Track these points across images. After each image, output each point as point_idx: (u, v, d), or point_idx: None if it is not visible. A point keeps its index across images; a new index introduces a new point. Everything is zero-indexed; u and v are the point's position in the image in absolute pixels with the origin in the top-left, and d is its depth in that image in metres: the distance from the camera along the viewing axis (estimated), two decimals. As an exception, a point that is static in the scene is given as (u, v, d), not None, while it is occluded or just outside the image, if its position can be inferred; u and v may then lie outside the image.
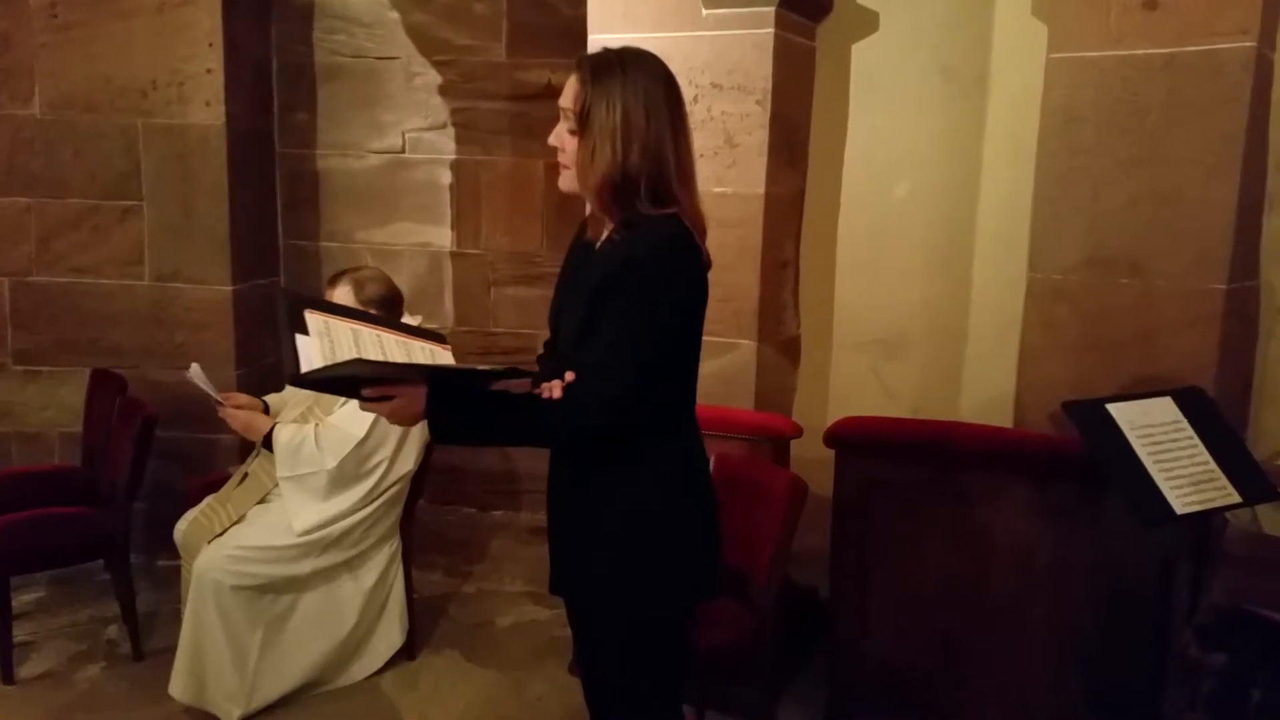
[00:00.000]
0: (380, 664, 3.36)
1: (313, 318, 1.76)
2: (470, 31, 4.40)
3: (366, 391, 1.68)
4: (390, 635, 3.38)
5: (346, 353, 1.72)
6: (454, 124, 4.47)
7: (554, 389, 1.68)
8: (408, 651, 3.44)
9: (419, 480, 3.41)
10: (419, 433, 3.24)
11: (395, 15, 4.42)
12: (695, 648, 1.98)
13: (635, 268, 1.68)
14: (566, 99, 1.77)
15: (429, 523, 4.24)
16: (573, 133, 1.76)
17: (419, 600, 3.59)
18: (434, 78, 4.44)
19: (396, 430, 3.17)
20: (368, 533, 3.23)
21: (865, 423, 3.03)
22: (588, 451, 1.80)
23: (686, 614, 1.91)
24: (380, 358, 1.77)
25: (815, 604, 3.33)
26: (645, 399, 1.71)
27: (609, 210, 1.76)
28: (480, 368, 1.77)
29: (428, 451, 3.38)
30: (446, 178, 4.52)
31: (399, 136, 4.51)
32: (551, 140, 1.82)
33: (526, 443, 1.89)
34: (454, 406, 1.70)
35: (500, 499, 4.67)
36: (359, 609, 3.25)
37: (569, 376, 1.69)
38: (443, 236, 4.57)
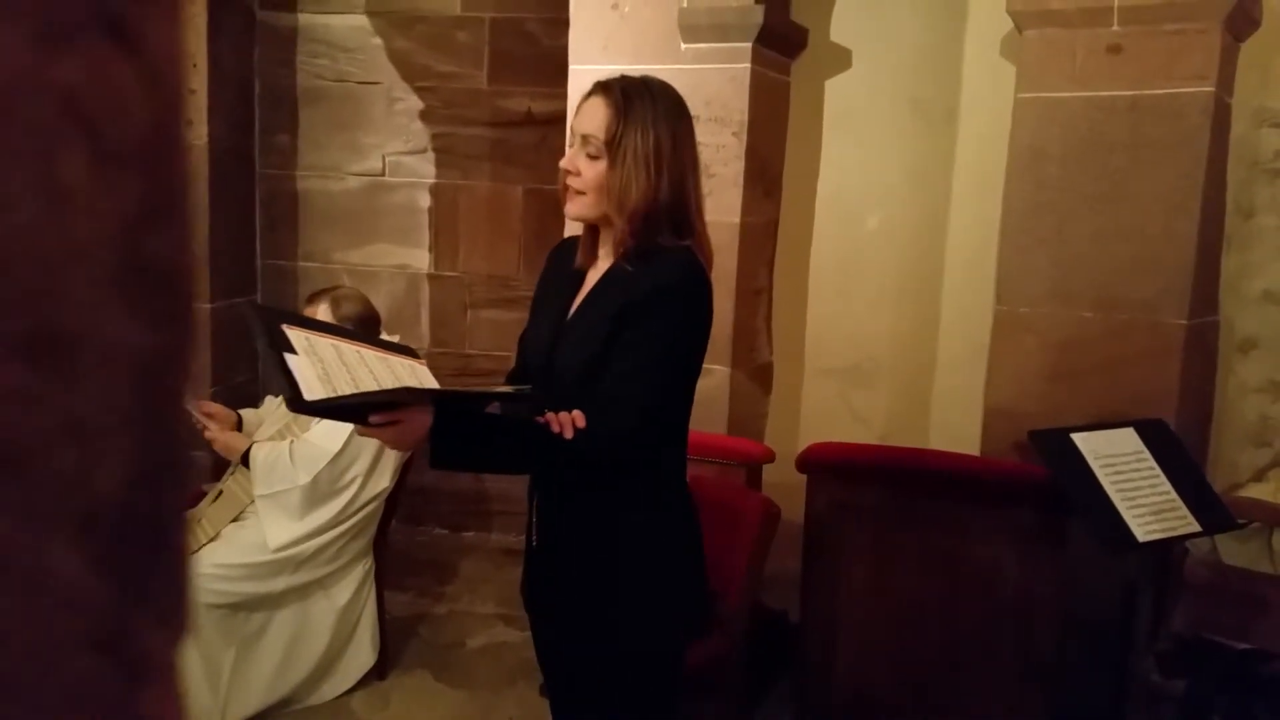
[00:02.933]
0: (351, 683, 3.36)
1: (294, 334, 1.67)
2: (452, 59, 4.45)
3: (374, 418, 1.60)
4: (361, 655, 3.39)
5: (337, 371, 1.64)
6: (434, 149, 4.51)
7: (565, 427, 1.61)
8: (379, 671, 3.44)
9: (393, 501, 3.42)
10: (395, 452, 3.27)
11: (378, 41, 4.47)
12: (683, 682, 1.96)
13: (655, 300, 1.66)
14: (592, 124, 1.72)
15: (400, 543, 4.24)
16: (593, 157, 1.72)
17: (390, 620, 3.59)
18: (415, 103, 4.49)
19: (372, 446, 3.18)
20: (341, 552, 3.25)
21: (837, 448, 3.08)
22: (587, 479, 1.76)
23: (681, 652, 1.87)
24: (369, 376, 1.70)
25: (785, 627, 3.36)
26: (655, 429, 1.70)
27: (635, 238, 1.71)
28: (493, 389, 1.73)
29: (403, 472, 3.40)
30: (425, 201, 4.56)
31: (379, 160, 4.55)
32: (565, 164, 1.76)
33: (529, 471, 1.83)
34: (458, 432, 1.63)
35: (471, 520, 4.69)
36: (331, 628, 3.26)
37: (579, 417, 1.62)
38: (420, 259, 4.60)
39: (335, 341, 1.75)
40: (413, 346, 2.02)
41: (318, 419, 3.15)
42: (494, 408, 1.76)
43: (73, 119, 0.22)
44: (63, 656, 0.23)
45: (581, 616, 1.81)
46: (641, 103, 1.71)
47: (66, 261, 0.22)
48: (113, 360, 0.23)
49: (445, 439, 1.61)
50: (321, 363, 1.64)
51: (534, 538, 1.87)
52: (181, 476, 0.26)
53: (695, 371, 1.79)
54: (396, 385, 1.69)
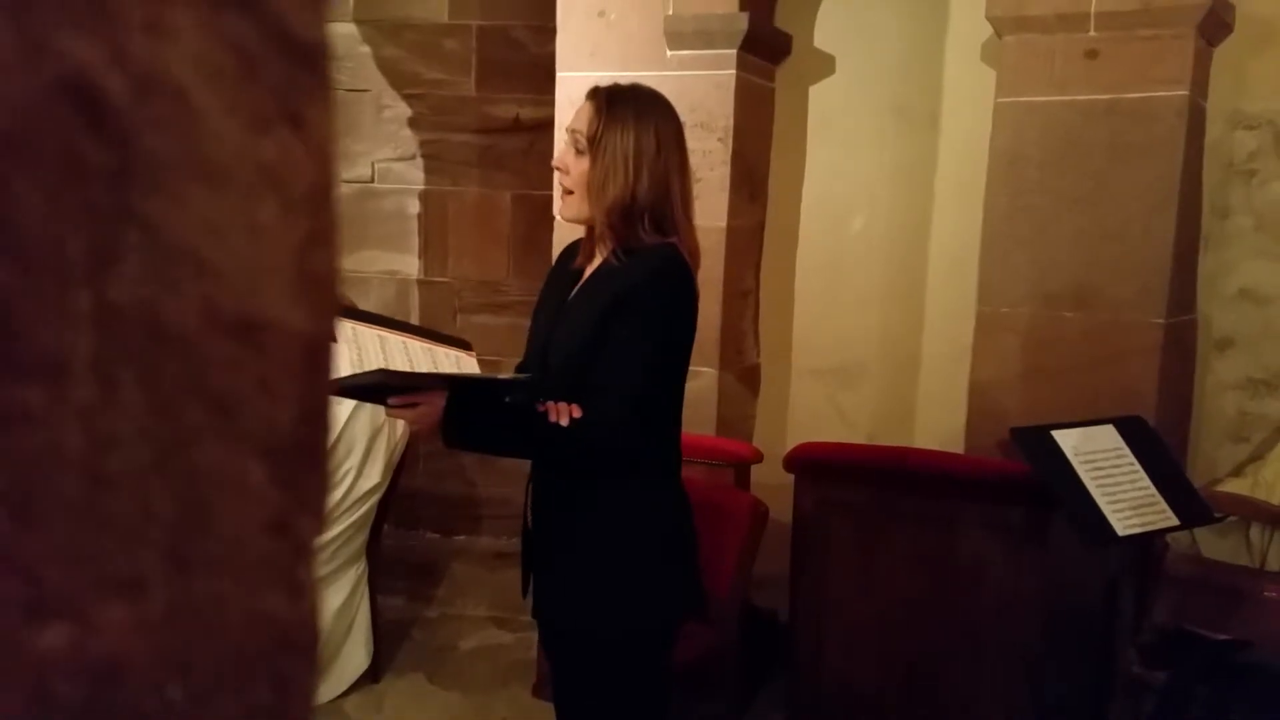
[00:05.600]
0: (345, 686, 3.38)
1: (340, 324, 1.78)
2: (440, 66, 4.49)
3: (392, 400, 1.74)
4: (355, 657, 3.41)
5: (374, 360, 1.76)
6: (423, 155, 4.55)
7: (561, 415, 1.73)
8: (372, 674, 3.47)
9: (385, 505, 3.45)
10: (384, 446, 3.30)
11: (366, 49, 4.50)
12: (674, 674, 2.01)
13: (637, 294, 1.76)
14: (579, 121, 1.84)
15: (392, 547, 4.27)
16: (579, 153, 1.83)
17: (383, 624, 3.62)
18: (404, 110, 4.52)
19: (364, 440, 3.22)
20: (335, 555, 3.27)
21: (824, 448, 3.13)
22: (582, 470, 1.85)
23: (670, 631, 1.93)
24: (406, 365, 1.81)
25: (775, 627, 3.40)
26: (645, 422, 1.77)
27: (613, 234, 1.82)
28: (496, 375, 1.84)
29: (395, 475, 3.43)
30: (415, 207, 4.59)
31: (368, 166, 4.58)
32: (555, 162, 1.90)
33: (531, 455, 1.94)
34: (469, 417, 1.76)
35: (462, 524, 4.71)
36: (325, 631, 3.28)
37: (575, 408, 1.73)
38: (410, 265, 4.64)
39: (382, 332, 1.87)
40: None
41: None
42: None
43: (268, 180, 0.33)
44: (251, 539, 0.34)
45: (570, 594, 1.89)
46: (624, 105, 1.82)
47: (261, 273, 0.33)
48: (289, 339, 0.34)
49: (455, 420, 1.74)
50: (359, 350, 1.76)
51: (529, 519, 1.96)
52: (328, 417, 0.37)
53: (682, 362, 1.88)
54: (431, 371, 1.82)
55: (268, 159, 0.33)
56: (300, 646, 0.37)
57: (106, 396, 0.30)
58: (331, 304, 0.37)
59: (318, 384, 0.36)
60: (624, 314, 1.76)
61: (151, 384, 0.31)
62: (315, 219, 0.35)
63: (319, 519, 0.37)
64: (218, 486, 0.33)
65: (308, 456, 0.36)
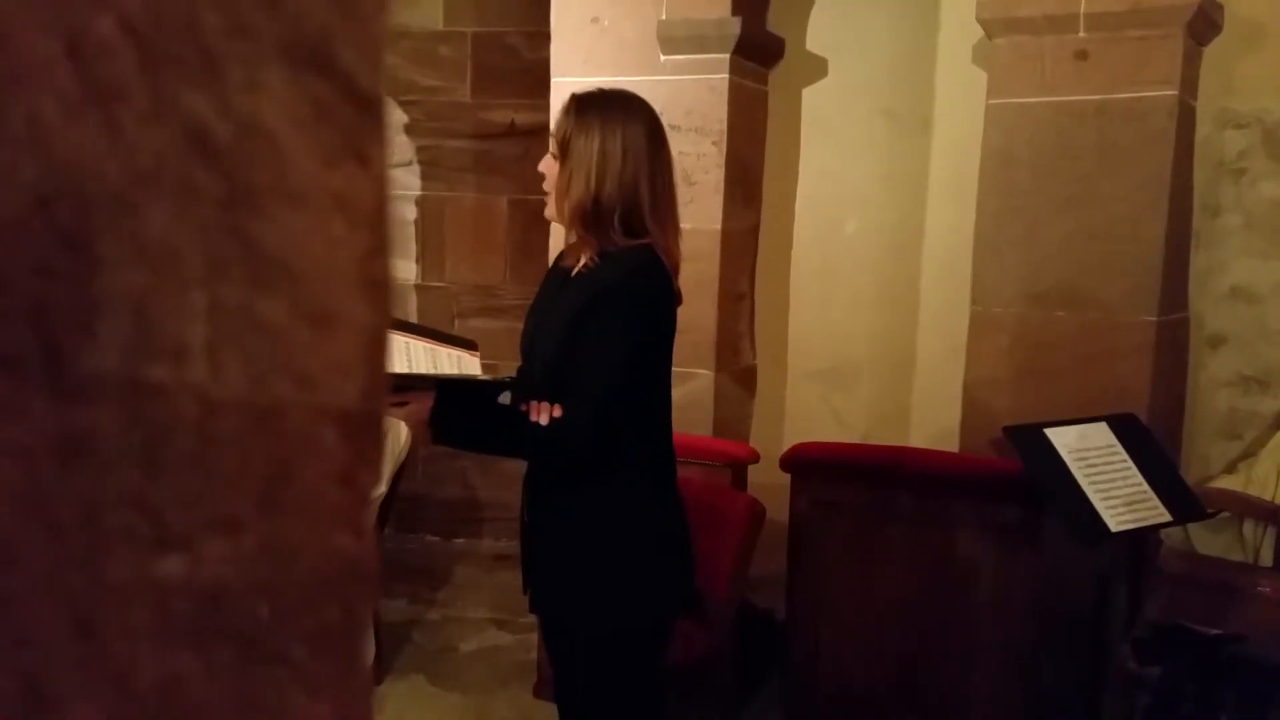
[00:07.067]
0: (347, 688, 3.40)
1: None
2: (436, 73, 4.52)
3: None
4: (357, 660, 3.42)
5: None
6: (419, 161, 4.57)
7: (541, 414, 1.77)
8: (374, 675, 3.48)
9: (385, 508, 3.47)
10: (389, 456, 3.31)
11: (361, 55, 4.52)
12: (668, 670, 2.04)
13: (606, 295, 1.80)
14: (553, 128, 1.91)
15: (392, 550, 4.29)
16: (555, 158, 1.88)
17: (384, 626, 3.64)
18: (400, 117, 4.54)
19: None
20: (336, 558, 3.28)
21: (819, 448, 3.15)
22: (569, 467, 1.89)
23: (661, 628, 1.96)
24: (406, 365, 1.86)
25: (773, 626, 3.42)
26: (620, 421, 1.81)
27: (585, 237, 1.86)
28: (485, 377, 1.88)
29: (395, 479, 3.44)
30: (411, 213, 4.62)
31: (364, 173, 4.60)
32: (540, 167, 1.95)
33: (515, 452, 2.00)
34: (456, 416, 1.82)
35: (462, 527, 4.74)
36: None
37: (556, 410, 1.78)
38: (407, 270, 4.66)
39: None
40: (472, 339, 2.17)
41: None
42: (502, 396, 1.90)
43: (337, 204, 0.40)
44: (326, 489, 0.41)
45: (564, 590, 1.94)
46: (591, 109, 1.86)
47: (333, 275, 0.40)
48: (355, 329, 0.41)
49: (442, 419, 1.81)
50: None
51: (525, 515, 2.01)
52: (384, 391, 0.44)
53: (660, 361, 1.92)
54: (420, 373, 1.88)
55: (338, 187, 0.41)
56: (362, 576, 0.45)
57: (215, 374, 0.38)
58: (387, 301, 0.44)
59: (377, 365, 0.43)
60: (598, 314, 1.80)
61: (250, 364, 0.39)
62: (375, 234, 0.43)
63: (377, 474, 0.45)
64: (300, 446, 0.40)
65: (370, 423, 0.43)
